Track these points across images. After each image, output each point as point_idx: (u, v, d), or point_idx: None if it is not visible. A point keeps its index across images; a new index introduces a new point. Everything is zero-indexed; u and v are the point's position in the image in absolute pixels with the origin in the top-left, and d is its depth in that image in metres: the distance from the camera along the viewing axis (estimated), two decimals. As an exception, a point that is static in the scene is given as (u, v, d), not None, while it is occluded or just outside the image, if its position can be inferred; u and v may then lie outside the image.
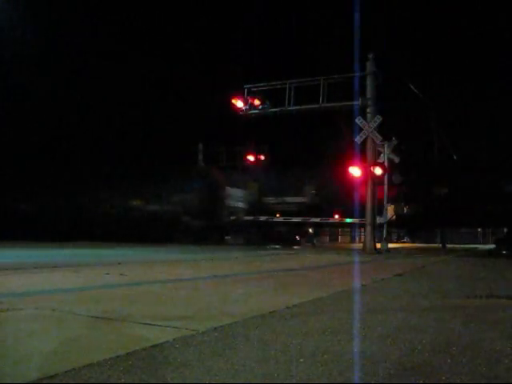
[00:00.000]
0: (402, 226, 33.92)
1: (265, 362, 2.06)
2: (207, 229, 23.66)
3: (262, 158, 27.06)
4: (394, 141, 17.79)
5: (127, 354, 2.12)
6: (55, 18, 24.15)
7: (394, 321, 3.12)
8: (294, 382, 1.83)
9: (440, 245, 28.50)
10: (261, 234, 24.20)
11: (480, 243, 39.12)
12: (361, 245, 18.52)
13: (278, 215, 24.41)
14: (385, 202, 17.17)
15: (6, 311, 3.17)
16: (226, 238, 25.55)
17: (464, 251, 20.32)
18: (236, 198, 25.38)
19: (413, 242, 41.51)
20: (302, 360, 2.11)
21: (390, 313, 3.44)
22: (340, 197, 22.10)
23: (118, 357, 2.07)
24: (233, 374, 1.89)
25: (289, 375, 1.90)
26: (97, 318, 3.00)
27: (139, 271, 6.80)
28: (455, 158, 23.32)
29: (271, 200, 25.29)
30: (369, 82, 16.26)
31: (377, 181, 16.27)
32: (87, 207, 24.93)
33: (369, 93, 16.23)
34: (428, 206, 22.84)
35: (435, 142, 23.75)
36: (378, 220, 16.59)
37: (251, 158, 27.04)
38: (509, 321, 3.25)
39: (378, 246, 16.40)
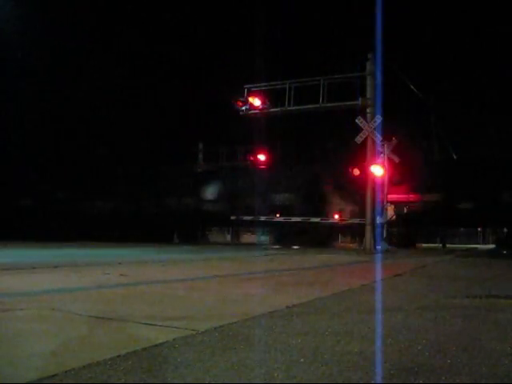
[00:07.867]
0: (402, 226, 33.85)
1: (265, 362, 2.06)
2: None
3: (262, 157, 26.99)
4: (394, 141, 17.78)
5: (127, 353, 2.12)
6: (53, 13, 24.21)
7: (393, 321, 3.12)
8: (294, 382, 1.83)
9: (440, 245, 28.50)
10: None
11: (480, 243, 39.04)
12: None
13: (277, 215, 24.41)
14: (385, 202, 17.17)
15: (7, 311, 3.17)
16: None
17: (464, 251, 20.30)
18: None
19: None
20: (302, 360, 2.10)
21: (390, 313, 3.44)
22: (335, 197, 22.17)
23: (118, 357, 2.07)
24: (233, 374, 1.89)
25: (289, 375, 1.89)
26: (97, 317, 3.00)
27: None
28: (455, 157, 23.29)
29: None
30: (369, 82, 16.26)
31: (377, 181, 16.27)
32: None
33: (369, 93, 16.23)
34: (428, 205, 22.82)
35: (435, 141, 23.73)
36: (378, 220, 16.58)
37: (251, 158, 26.99)
38: (508, 321, 3.25)
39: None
